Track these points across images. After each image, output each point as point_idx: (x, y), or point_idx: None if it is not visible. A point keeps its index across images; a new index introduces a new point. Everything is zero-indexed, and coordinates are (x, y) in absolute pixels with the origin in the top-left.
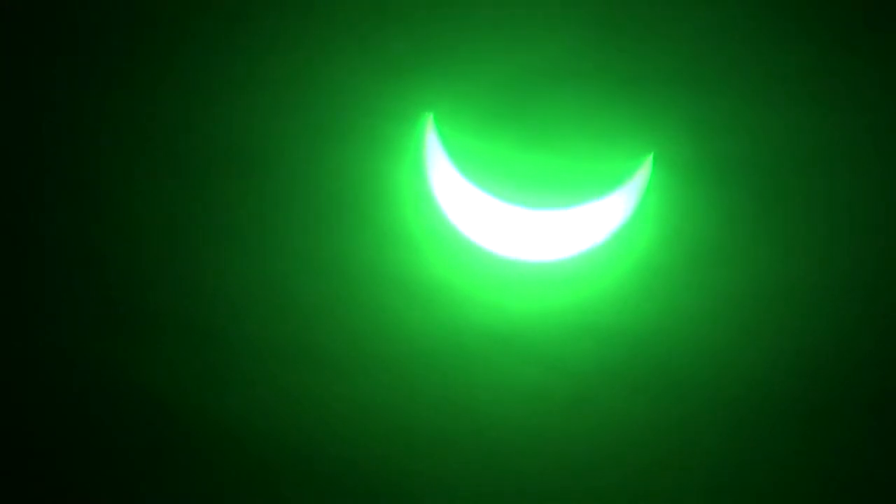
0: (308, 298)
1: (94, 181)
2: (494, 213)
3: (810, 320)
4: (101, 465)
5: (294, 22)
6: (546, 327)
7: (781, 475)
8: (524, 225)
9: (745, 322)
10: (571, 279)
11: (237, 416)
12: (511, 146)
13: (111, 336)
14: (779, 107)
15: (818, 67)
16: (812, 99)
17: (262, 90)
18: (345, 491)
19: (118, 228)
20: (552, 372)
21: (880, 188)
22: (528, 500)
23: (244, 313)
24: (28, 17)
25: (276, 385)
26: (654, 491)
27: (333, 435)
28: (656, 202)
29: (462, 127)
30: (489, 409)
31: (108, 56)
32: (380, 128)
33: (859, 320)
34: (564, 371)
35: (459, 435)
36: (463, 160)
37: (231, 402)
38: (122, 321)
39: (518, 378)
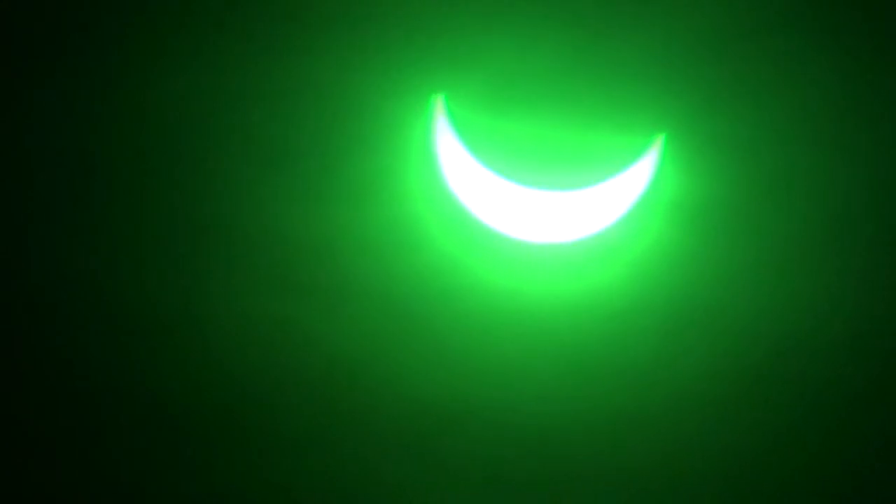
0: (319, 281)
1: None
2: (505, 194)
3: (824, 295)
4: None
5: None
6: (559, 309)
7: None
8: (536, 206)
9: (759, 299)
10: (583, 261)
11: None
12: (522, 128)
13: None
14: (792, 85)
15: (832, 47)
16: (826, 78)
17: (272, 72)
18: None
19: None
20: (566, 354)
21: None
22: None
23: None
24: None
25: None
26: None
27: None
28: (669, 181)
29: (472, 108)
30: (500, 394)
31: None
32: (390, 110)
33: (870, 296)
34: (577, 352)
35: (462, 416)
36: (473, 141)
37: None
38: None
39: (529, 360)
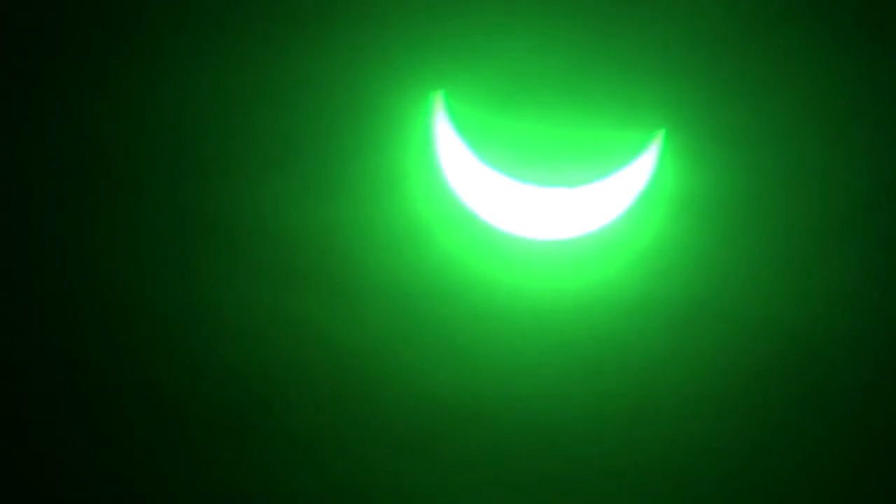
0: (320, 279)
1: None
2: (506, 191)
3: (826, 290)
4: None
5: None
6: (561, 306)
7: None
8: (537, 203)
9: (761, 295)
10: (584, 257)
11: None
12: (522, 124)
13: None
14: (792, 83)
15: (832, 47)
16: (826, 76)
17: (272, 72)
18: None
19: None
20: (568, 350)
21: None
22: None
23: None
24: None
25: None
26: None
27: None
28: (670, 177)
29: (472, 105)
30: (503, 390)
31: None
32: (389, 107)
33: (870, 297)
34: (579, 349)
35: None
36: (473, 138)
37: None
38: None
39: (532, 356)
